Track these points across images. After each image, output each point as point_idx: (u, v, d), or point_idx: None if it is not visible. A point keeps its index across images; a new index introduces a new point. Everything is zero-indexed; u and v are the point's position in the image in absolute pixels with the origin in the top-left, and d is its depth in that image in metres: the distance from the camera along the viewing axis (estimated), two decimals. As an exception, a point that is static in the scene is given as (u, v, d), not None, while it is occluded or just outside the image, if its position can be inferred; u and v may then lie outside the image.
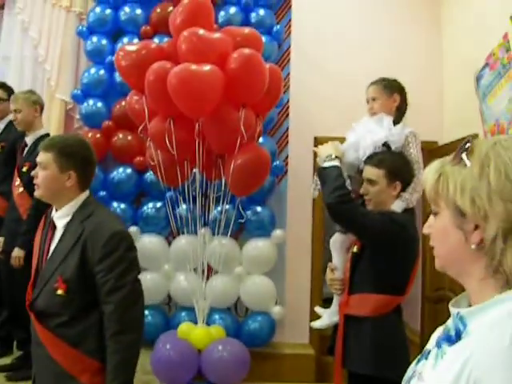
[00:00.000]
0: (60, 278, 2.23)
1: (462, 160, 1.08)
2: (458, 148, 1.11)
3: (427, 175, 1.15)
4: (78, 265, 2.23)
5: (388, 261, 2.70)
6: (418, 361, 1.23)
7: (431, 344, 1.21)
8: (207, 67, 3.37)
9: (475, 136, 4.20)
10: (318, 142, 4.48)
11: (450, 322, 1.15)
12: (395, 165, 2.79)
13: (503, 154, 1.04)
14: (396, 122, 2.99)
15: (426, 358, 1.18)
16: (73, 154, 2.34)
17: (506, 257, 1.02)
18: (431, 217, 1.18)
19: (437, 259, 1.18)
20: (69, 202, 2.35)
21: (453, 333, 1.10)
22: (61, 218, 2.35)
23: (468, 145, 1.09)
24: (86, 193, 2.42)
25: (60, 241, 2.33)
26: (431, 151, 4.74)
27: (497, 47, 3.96)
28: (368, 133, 2.95)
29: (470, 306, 1.16)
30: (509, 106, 3.78)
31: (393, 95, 3.07)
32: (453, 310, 1.13)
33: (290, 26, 4.89)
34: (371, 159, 2.84)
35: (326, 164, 2.77)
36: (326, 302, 3.44)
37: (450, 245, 1.12)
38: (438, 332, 1.21)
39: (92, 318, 2.27)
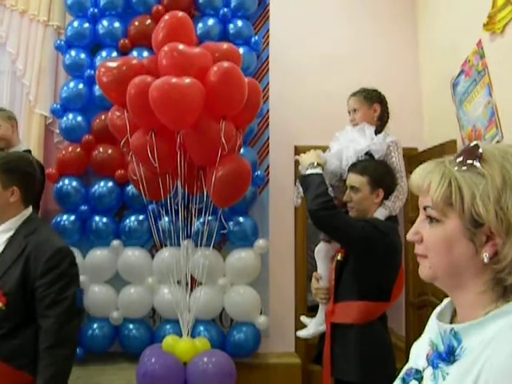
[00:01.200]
0: (0, 292, 2.25)
1: (475, 167, 1.02)
2: (464, 152, 1.05)
3: (428, 177, 1.07)
4: (19, 279, 2.26)
5: (371, 268, 2.72)
6: (404, 381, 1.17)
7: (420, 363, 1.15)
8: (188, 80, 3.39)
9: (453, 142, 4.27)
10: (298, 151, 4.50)
11: (434, 338, 1.10)
12: (378, 172, 2.83)
13: None
14: (378, 131, 3.04)
15: (418, 380, 1.13)
16: (15, 169, 2.40)
17: None
18: (420, 224, 1.12)
19: (428, 270, 1.10)
20: (12, 217, 2.40)
21: (442, 349, 1.06)
22: (3, 232, 2.40)
23: (479, 151, 1.03)
24: (29, 209, 2.47)
25: (1, 255, 2.35)
26: (411, 157, 4.78)
27: (471, 54, 4.03)
28: (351, 142, 2.99)
29: (452, 317, 1.13)
30: (485, 112, 3.84)
31: (373, 105, 3.11)
32: (444, 326, 1.08)
33: (268, 37, 4.90)
34: (355, 167, 2.88)
35: (309, 171, 2.80)
36: (311, 310, 3.44)
37: (453, 256, 1.05)
38: (424, 350, 1.15)
39: (28, 332, 2.29)
